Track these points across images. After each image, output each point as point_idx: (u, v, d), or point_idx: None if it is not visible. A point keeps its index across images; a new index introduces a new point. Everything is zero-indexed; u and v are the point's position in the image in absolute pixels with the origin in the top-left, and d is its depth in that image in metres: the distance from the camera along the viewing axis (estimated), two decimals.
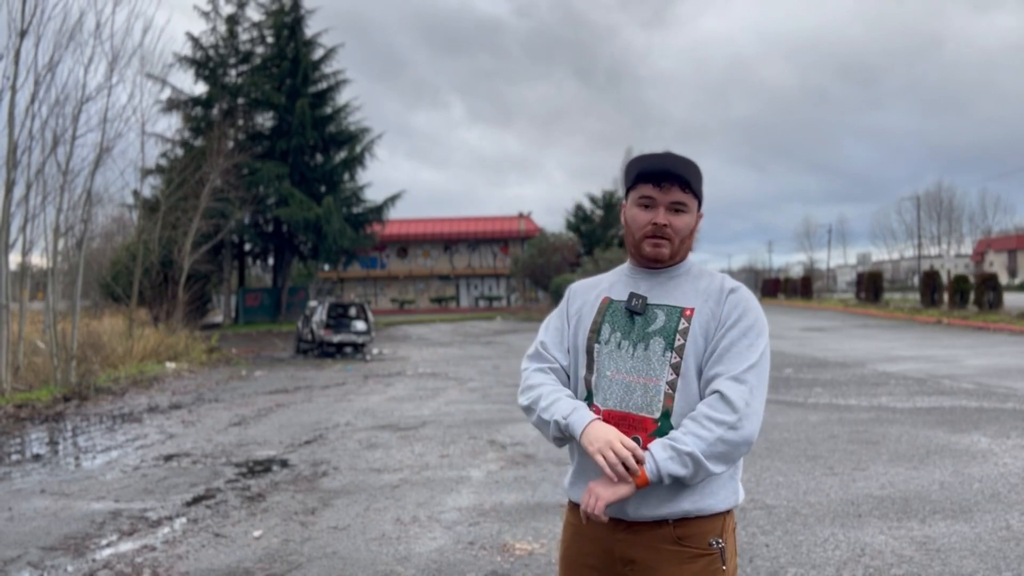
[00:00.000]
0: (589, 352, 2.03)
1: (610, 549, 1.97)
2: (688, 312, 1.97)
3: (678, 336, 1.94)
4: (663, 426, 1.91)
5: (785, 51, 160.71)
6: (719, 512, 1.93)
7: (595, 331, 2.04)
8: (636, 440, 1.92)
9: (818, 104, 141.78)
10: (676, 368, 1.92)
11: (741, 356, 1.91)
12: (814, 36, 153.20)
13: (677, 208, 1.99)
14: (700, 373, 1.94)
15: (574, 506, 2.06)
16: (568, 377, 2.11)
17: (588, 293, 2.15)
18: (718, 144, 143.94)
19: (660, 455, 1.83)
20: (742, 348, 1.92)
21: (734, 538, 2.00)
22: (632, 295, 2.03)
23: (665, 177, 1.97)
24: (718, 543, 1.92)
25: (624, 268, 2.14)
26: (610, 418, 1.96)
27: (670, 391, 1.92)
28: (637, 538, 1.93)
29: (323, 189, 35.05)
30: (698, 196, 2.02)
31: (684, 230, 2.00)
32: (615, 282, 2.11)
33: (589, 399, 2.02)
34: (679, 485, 1.90)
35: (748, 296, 2.00)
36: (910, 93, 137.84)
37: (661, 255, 2.00)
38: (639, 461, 1.85)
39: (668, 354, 1.93)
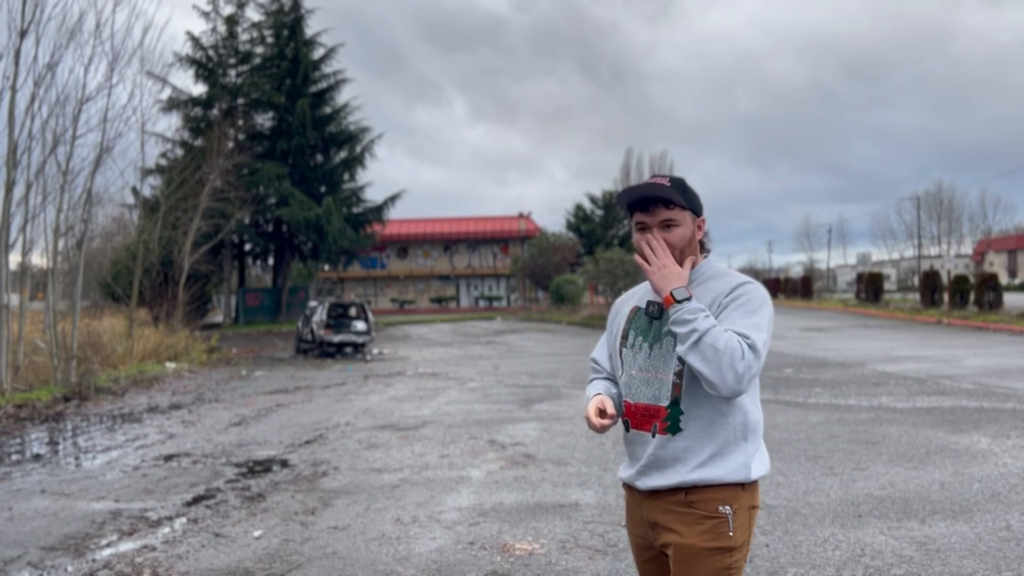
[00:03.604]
0: (620, 355, 2.36)
1: (642, 516, 2.30)
2: None
3: None
4: (672, 412, 2.20)
5: (792, 47, 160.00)
6: (728, 483, 2.15)
7: (624, 336, 2.36)
8: (654, 427, 2.22)
9: (824, 101, 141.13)
10: (682, 360, 2.16)
11: (747, 319, 2.12)
12: (821, 32, 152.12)
13: (668, 224, 2.23)
14: None
15: (624, 485, 2.38)
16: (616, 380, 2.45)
17: (624, 306, 2.45)
18: (722, 142, 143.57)
19: (701, 304, 2.13)
20: (747, 311, 2.14)
21: (749, 515, 2.19)
22: (649, 303, 2.32)
23: (649, 202, 2.23)
24: (726, 510, 2.14)
25: None
26: (636, 411, 2.28)
27: (678, 380, 2.18)
28: (658, 503, 2.23)
29: (323, 189, 35.06)
30: (688, 207, 2.24)
31: (680, 242, 2.23)
32: (645, 293, 2.38)
33: (622, 395, 2.34)
34: (688, 457, 2.17)
35: (755, 288, 2.21)
36: (917, 90, 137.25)
37: None
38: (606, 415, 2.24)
39: (677, 348, 2.17)
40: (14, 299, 14.35)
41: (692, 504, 2.16)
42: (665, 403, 2.20)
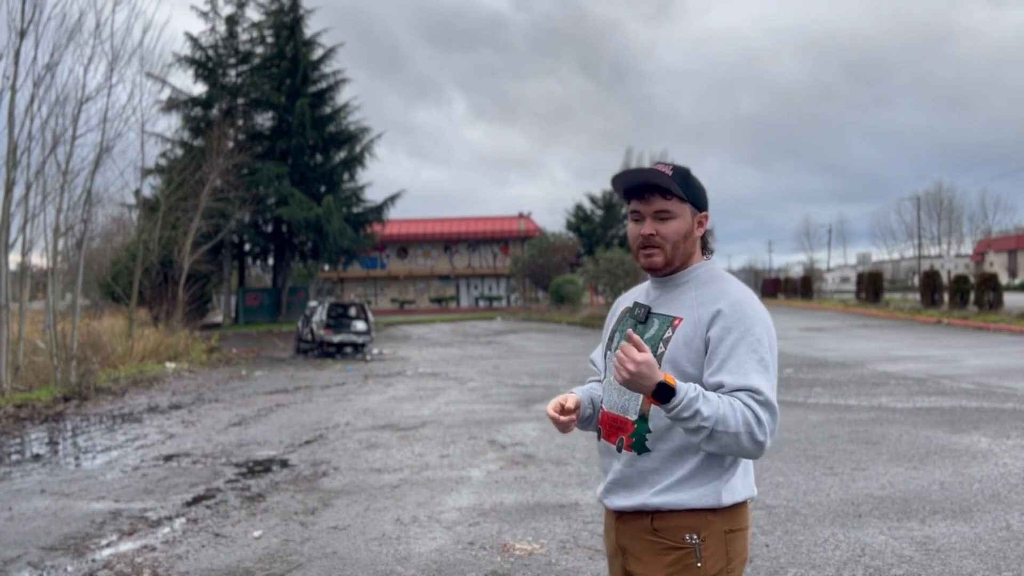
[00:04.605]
0: (604, 359, 2.24)
1: (613, 538, 2.15)
2: (676, 322, 2.03)
3: (661, 344, 2.02)
4: (639, 428, 2.03)
5: (792, 47, 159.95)
6: (695, 508, 1.98)
7: (611, 339, 2.21)
8: (620, 441, 2.07)
9: (824, 101, 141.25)
10: None
11: (752, 356, 1.94)
12: (822, 31, 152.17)
13: (663, 216, 2.05)
14: (682, 378, 1.96)
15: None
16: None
17: (620, 306, 2.29)
18: (722, 142, 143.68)
19: (692, 392, 1.86)
20: (750, 344, 1.94)
21: (725, 540, 2.00)
22: (636, 304, 2.16)
23: (644, 189, 2.05)
24: (692, 539, 1.97)
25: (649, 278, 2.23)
26: (606, 419, 2.15)
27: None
28: (626, 528, 2.08)
29: (323, 189, 35.06)
30: (689, 199, 2.06)
31: (673, 236, 2.05)
32: (640, 293, 2.23)
33: (603, 401, 2.20)
34: (656, 479, 2.01)
35: (750, 307, 2.01)
36: (918, 90, 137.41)
37: (652, 264, 2.08)
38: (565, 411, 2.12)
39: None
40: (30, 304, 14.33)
41: (657, 532, 2.00)
42: (633, 417, 2.04)
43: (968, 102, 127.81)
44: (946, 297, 27.74)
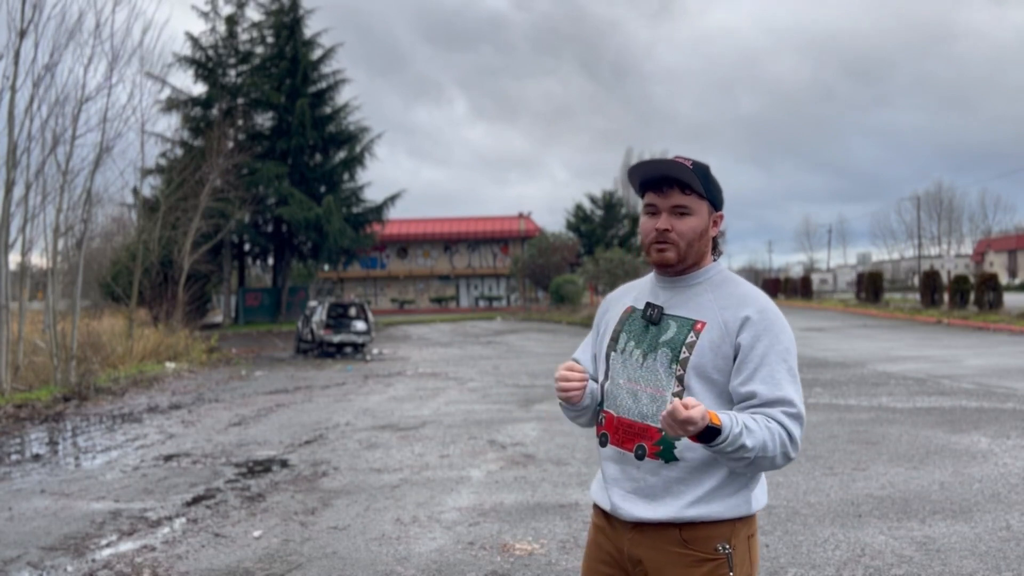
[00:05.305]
0: (606, 359, 2.10)
1: (621, 547, 2.02)
2: (699, 326, 1.96)
3: (684, 349, 1.95)
4: (666, 435, 1.94)
5: (793, 46, 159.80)
6: (727, 519, 1.94)
7: (614, 339, 2.09)
8: (641, 448, 1.96)
9: (825, 101, 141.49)
10: (681, 380, 1.94)
11: (783, 364, 1.92)
12: (823, 30, 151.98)
13: (680, 212, 1.98)
14: (708, 385, 1.94)
15: (594, 506, 2.14)
16: (597, 383, 2.17)
17: (618, 302, 2.19)
18: (723, 142, 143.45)
19: (736, 428, 1.79)
20: (780, 353, 1.92)
21: (748, 545, 1.98)
22: (648, 305, 2.06)
23: (663, 182, 1.98)
24: (725, 548, 1.92)
25: (651, 276, 2.14)
26: (618, 424, 2.02)
27: None
28: (644, 538, 1.97)
29: (323, 189, 35.07)
30: (707, 197, 2.00)
31: (689, 233, 1.98)
32: (642, 291, 2.13)
33: (602, 404, 2.09)
34: (684, 489, 1.94)
35: (776, 314, 1.97)
36: (918, 90, 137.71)
37: (665, 259, 2.00)
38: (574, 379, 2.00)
39: (674, 366, 1.95)
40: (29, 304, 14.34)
41: (688, 544, 1.92)
42: (658, 425, 1.95)
43: (968, 102, 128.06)
44: (946, 297, 27.73)
